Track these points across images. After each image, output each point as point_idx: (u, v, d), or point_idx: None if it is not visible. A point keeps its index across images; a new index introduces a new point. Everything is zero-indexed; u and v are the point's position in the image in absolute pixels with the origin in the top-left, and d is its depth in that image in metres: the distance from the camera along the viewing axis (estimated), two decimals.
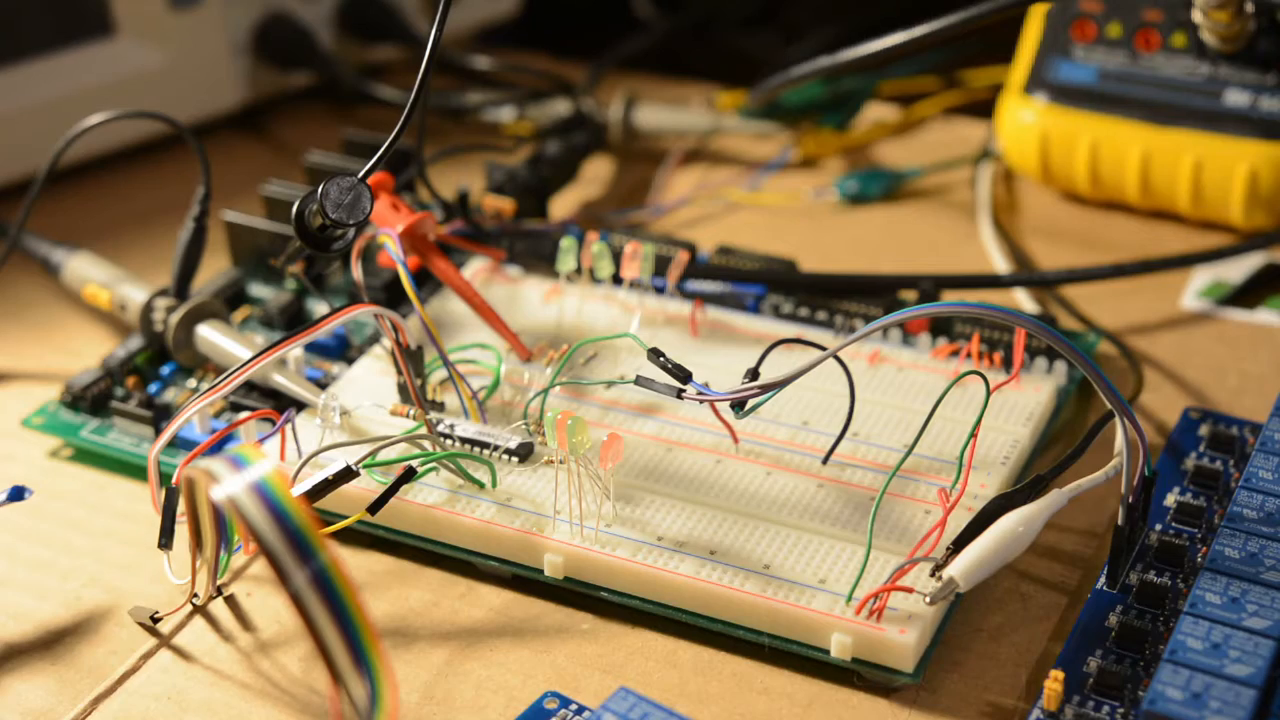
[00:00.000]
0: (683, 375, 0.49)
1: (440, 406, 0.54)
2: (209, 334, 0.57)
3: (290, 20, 0.76)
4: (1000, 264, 0.66)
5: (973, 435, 0.49)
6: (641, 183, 0.73)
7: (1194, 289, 0.64)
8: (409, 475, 0.49)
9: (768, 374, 0.48)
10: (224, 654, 0.48)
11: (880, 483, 0.50)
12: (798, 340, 0.52)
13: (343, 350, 0.59)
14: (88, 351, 0.61)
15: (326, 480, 0.48)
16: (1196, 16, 0.64)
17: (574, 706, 0.45)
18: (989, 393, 0.49)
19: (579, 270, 0.59)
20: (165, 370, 0.58)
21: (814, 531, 0.49)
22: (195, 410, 0.50)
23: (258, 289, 0.63)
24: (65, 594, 0.50)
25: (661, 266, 0.60)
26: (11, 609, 0.50)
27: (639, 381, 0.49)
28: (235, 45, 0.75)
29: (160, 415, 0.55)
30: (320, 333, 0.50)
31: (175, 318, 0.57)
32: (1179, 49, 0.66)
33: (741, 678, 0.47)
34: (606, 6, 0.91)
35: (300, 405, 0.54)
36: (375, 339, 0.59)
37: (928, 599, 0.45)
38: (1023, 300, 0.63)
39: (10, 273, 0.65)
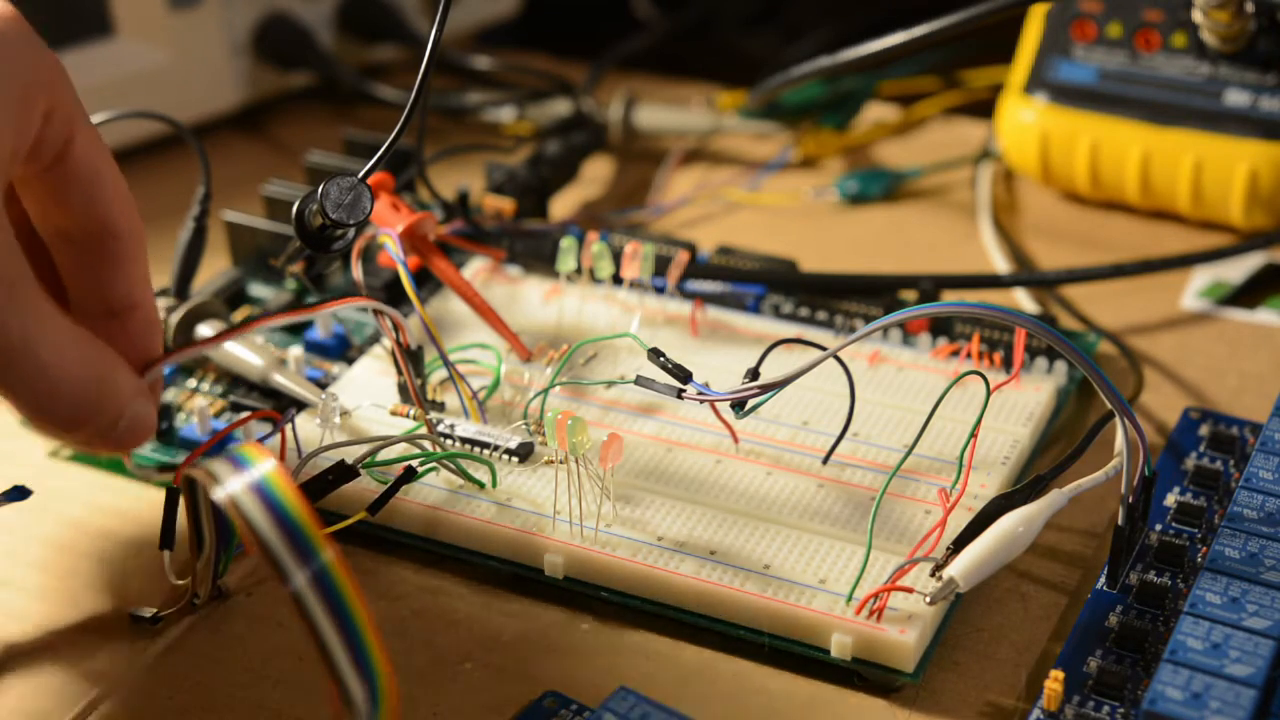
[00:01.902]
0: (683, 375, 0.49)
1: (440, 406, 0.54)
2: (209, 334, 0.57)
3: (290, 20, 0.76)
4: (1000, 264, 0.66)
5: (973, 435, 0.49)
6: (641, 183, 0.73)
7: (1194, 289, 0.64)
8: (409, 475, 0.49)
9: (768, 374, 0.48)
10: (224, 654, 0.48)
11: (880, 483, 0.50)
12: (798, 340, 0.52)
13: (343, 350, 0.59)
14: None
15: (327, 480, 0.48)
16: (1196, 16, 0.64)
17: (574, 706, 0.45)
18: (989, 393, 0.49)
19: (579, 270, 0.59)
20: (165, 370, 0.58)
21: (814, 531, 0.49)
22: (239, 424, 0.50)
23: (258, 289, 0.63)
24: (65, 594, 0.50)
25: (661, 266, 0.60)
26: (11, 609, 0.50)
27: (639, 381, 0.49)
28: (235, 45, 0.75)
29: (160, 415, 0.55)
30: (318, 315, 0.50)
31: (175, 318, 0.57)
32: (1179, 49, 0.66)
33: (741, 678, 0.47)
34: (606, 6, 0.91)
35: (300, 405, 0.54)
36: (375, 339, 0.59)
37: (928, 599, 0.45)
38: (1023, 300, 0.63)
39: None
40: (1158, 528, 0.50)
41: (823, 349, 0.47)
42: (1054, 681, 0.44)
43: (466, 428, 0.52)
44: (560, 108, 0.74)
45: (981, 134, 0.75)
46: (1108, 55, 0.67)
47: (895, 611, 0.45)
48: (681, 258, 0.60)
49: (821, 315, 0.60)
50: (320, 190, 0.49)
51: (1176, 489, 0.51)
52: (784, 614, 0.46)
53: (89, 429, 0.44)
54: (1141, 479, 0.46)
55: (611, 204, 0.72)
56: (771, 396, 0.49)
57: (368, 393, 0.55)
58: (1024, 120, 0.68)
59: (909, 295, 0.61)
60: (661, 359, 0.49)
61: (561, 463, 0.50)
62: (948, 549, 0.46)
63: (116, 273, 0.46)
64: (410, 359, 0.52)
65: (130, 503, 0.54)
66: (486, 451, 0.52)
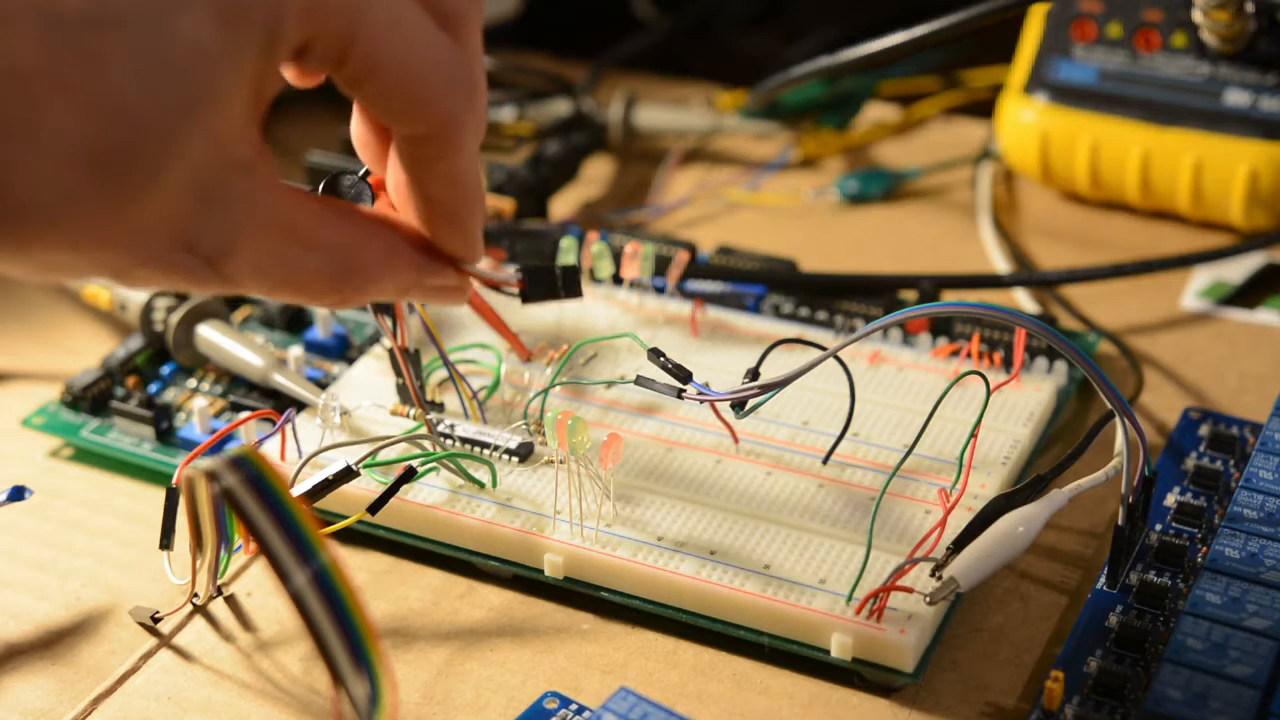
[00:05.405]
0: (683, 375, 0.49)
1: (440, 406, 0.54)
2: (209, 334, 0.57)
3: None
4: (1000, 264, 0.66)
5: (973, 435, 0.49)
6: (641, 183, 0.73)
7: (1194, 289, 0.64)
8: (409, 475, 0.49)
9: (768, 374, 0.48)
10: (224, 654, 0.48)
11: (880, 483, 0.50)
12: (798, 340, 0.52)
13: (343, 350, 0.59)
14: (88, 351, 0.61)
15: (326, 480, 0.48)
16: (1196, 16, 0.64)
17: (574, 706, 0.45)
18: (989, 393, 0.49)
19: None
20: (165, 370, 0.58)
21: (814, 531, 0.49)
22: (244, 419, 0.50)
23: None
24: (65, 594, 0.50)
25: (661, 266, 0.60)
26: (11, 609, 0.50)
27: (639, 381, 0.49)
28: None
29: (160, 415, 0.55)
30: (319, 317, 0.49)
31: (175, 317, 0.57)
32: (1179, 49, 0.66)
33: (741, 678, 0.47)
34: (606, 6, 0.91)
35: (300, 405, 0.54)
36: (375, 339, 0.59)
37: (928, 599, 0.45)
38: (1023, 300, 0.63)
39: None
40: (1158, 528, 0.50)
41: (823, 349, 0.47)
42: (1054, 681, 0.44)
43: (466, 428, 0.52)
44: (560, 108, 0.74)
45: (981, 134, 0.75)
46: (1108, 55, 0.67)
47: (895, 611, 0.45)
48: (681, 258, 0.60)
49: (821, 315, 0.60)
50: (320, 189, 0.49)
51: (1176, 489, 0.51)
52: (784, 614, 0.46)
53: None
54: (1141, 479, 0.46)
55: (611, 204, 0.72)
56: (771, 396, 0.49)
57: (368, 393, 0.55)
58: (1024, 120, 0.68)
59: (909, 295, 0.61)
60: (661, 359, 0.49)
61: (561, 463, 0.50)
62: (948, 549, 0.46)
63: (427, 171, 0.43)
64: (409, 359, 0.52)
65: (130, 503, 0.54)
66: (486, 451, 0.52)
